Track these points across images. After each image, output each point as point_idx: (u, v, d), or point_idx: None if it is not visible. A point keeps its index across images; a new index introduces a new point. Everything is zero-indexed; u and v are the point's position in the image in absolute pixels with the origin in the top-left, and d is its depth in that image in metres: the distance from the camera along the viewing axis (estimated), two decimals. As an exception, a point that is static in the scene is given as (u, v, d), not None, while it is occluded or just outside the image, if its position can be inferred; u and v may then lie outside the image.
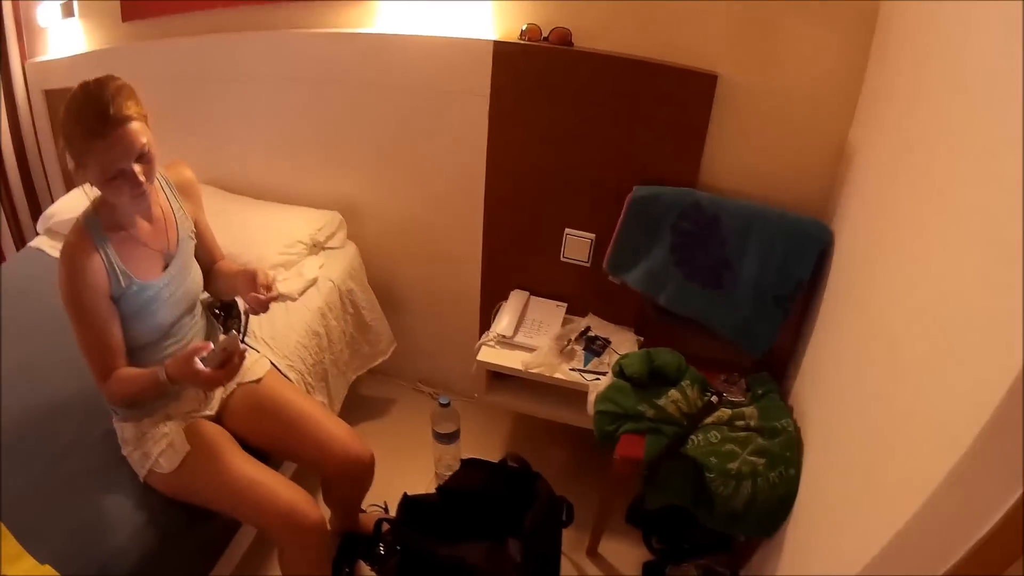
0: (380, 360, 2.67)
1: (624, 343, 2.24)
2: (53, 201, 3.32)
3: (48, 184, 3.47)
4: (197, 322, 1.87)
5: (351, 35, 2.37)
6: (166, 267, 1.72)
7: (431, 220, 2.59)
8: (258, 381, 1.93)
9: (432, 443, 2.47)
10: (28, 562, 1.57)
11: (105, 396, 1.71)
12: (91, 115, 1.41)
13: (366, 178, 2.62)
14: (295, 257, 2.44)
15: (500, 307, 2.43)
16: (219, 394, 1.91)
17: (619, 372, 1.99)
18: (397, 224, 2.67)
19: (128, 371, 1.66)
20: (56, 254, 2.61)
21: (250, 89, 2.63)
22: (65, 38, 3.08)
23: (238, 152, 2.81)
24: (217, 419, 1.89)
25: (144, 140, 1.48)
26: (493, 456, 2.09)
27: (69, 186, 3.33)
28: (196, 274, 1.84)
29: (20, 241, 3.42)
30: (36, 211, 3.40)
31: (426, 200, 2.56)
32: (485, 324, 2.55)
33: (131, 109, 1.46)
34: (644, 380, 1.95)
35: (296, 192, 2.73)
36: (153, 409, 1.76)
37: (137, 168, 1.48)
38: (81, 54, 2.98)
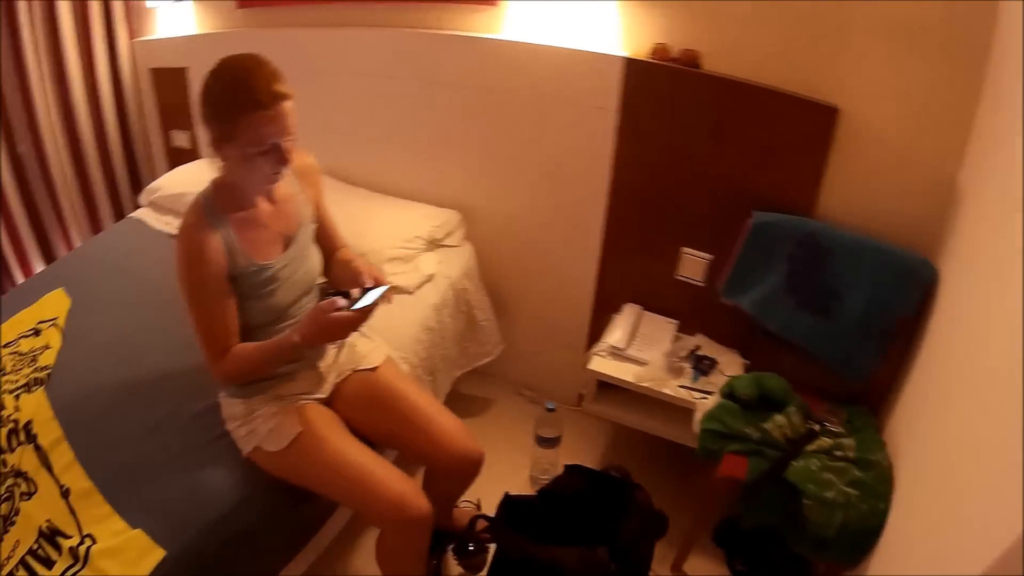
0: (486, 360, 2.82)
1: (731, 364, 2.37)
2: (155, 175, 3.52)
3: (151, 157, 3.72)
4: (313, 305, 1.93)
5: (479, 39, 2.53)
6: (285, 248, 1.82)
7: (549, 227, 2.73)
8: (374, 369, 2.00)
9: (532, 446, 2.62)
10: (118, 524, 1.69)
11: (217, 376, 1.77)
12: (256, 87, 1.52)
13: (486, 180, 2.78)
14: (413, 252, 2.58)
15: (612, 319, 2.56)
16: (332, 379, 1.96)
17: (728, 393, 2.12)
18: (514, 227, 2.81)
19: (247, 345, 1.74)
20: (159, 227, 2.94)
21: (369, 84, 2.81)
22: (174, 19, 3.31)
23: (354, 145, 2.99)
24: (327, 403, 1.94)
25: (295, 119, 1.62)
26: (588, 464, 2.17)
27: (172, 162, 3.56)
28: (315, 258, 1.94)
29: (118, 215, 3.63)
30: (136, 184, 3.64)
31: (545, 207, 2.69)
32: (594, 334, 2.68)
33: (287, 87, 1.59)
34: (752, 403, 2.06)
35: (414, 188, 2.89)
36: (264, 388, 1.83)
37: (287, 144, 1.62)
38: (193, 36, 3.22)
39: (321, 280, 2.01)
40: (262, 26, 3.00)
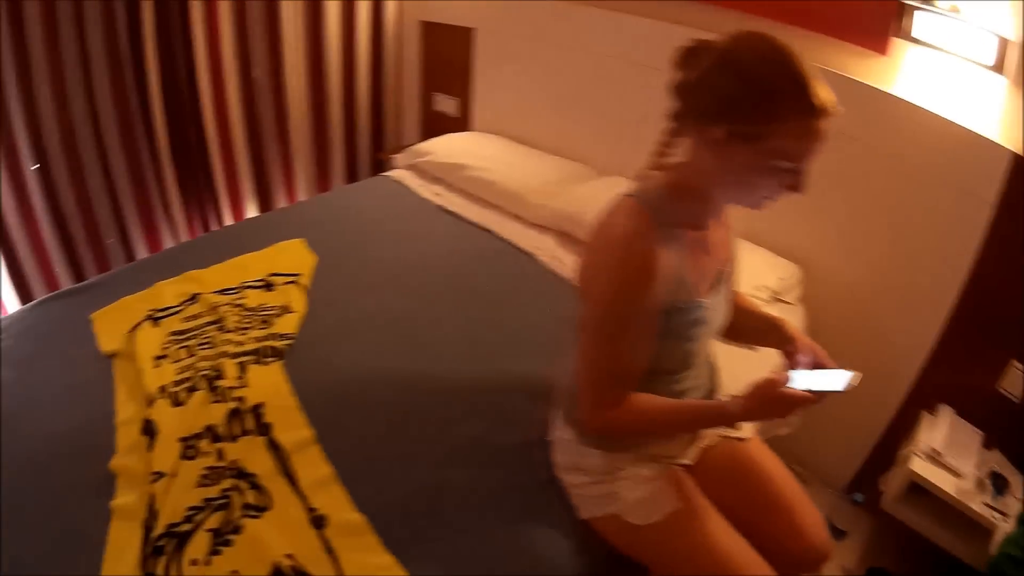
0: (784, 431, 2.48)
1: (1019, 487, 2.27)
2: (400, 137, 3.57)
3: (400, 116, 3.66)
4: (708, 357, 1.64)
5: (856, 84, 2.30)
6: (712, 287, 1.49)
7: (887, 302, 2.51)
8: (743, 440, 1.75)
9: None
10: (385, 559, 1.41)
11: (595, 425, 1.47)
12: (818, 92, 1.21)
13: (830, 235, 2.56)
14: (759, 302, 2.25)
15: (922, 417, 2.43)
16: (701, 443, 1.72)
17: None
18: (846, 295, 2.61)
19: (655, 400, 1.43)
20: (427, 196, 2.87)
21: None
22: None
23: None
24: (688, 470, 1.66)
25: None
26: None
27: (427, 127, 3.52)
28: (731, 302, 1.60)
29: (350, 171, 3.55)
30: (377, 142, 3.61)
31: (890, 282, 2.50)
32: (898, 426, 2.55)
33: None
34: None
35: (754, 227, 2.65)
36: (637, 444, 1.57)
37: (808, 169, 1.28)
38: None
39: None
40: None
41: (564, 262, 2.44)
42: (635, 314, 1.35)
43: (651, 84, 2.67)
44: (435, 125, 3.50)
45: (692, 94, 1.31)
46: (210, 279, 2.22)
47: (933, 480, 2.25)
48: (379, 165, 3.62)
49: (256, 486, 1.54)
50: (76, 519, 1.49)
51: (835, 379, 1.37)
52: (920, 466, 2.31)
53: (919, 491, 2.26)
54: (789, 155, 1.26)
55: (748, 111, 1.24)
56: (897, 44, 2.25)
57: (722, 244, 1.53)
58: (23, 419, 1.73)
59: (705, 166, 1.34)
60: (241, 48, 2.91)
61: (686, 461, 1.67)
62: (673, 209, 1.37)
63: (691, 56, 1.30)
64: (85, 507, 1.51)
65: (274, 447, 1.63)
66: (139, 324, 2.02)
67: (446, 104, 3.46)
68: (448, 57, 3.35)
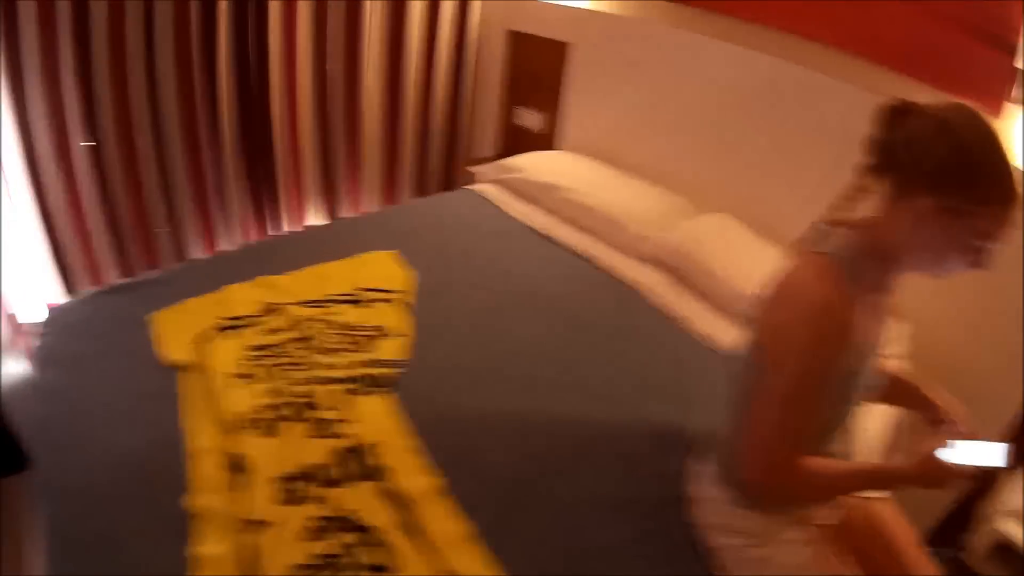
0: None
1: None
2: (474, 149, 3.44)
3: (476, 127, 3.50)
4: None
5: None
6: (869, 352, 1.45)
7: (978, 360, 2.52)
8: (878, 500, 1.72)
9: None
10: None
11: (766, 488, 1.45)
12: (1020, 180, 1.25)
13: (940, 293, 2.53)
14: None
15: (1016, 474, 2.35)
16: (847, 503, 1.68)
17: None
18: (941, 351, 2.58)
19: (825, 464, 1.42)
20: (515, 213, 2.73)
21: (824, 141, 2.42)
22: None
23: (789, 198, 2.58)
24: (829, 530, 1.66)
25: None
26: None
27: (508, 141, 3.36)
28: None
29: (420, 182, 3.39)
30: (451, 153, 3.46)
31: (983, 337, 2.51)
32: (982, 485, 2.46)
33: None
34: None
35: None
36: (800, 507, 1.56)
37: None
38: (580, 8, 2.98)
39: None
40: (673, 23, 2.74)
41: (676, 301, 2.30)
42: (825, 378, 1.34)
43: (764, 122, 2.65)
44: (515, 140, 3.30)
45: (898, 155, 1.31)
46: (289, 287, 2.01)
47: (1019, 540, 2.27)
48: (450, 178, 3.42)
49: (375, 542, 1.32)
50: (146, 566, 1.27)
51: (994, 453, 1.37)
52: (1007, 526, 2.33)
53: (1003, 550, 2.29)
54: (987, 236, 1.29)
55: (963, 187, 1.25)
56: (1010, 108, 2.21)
57: (886, 307, 1.52)
58: (73, 432, 1.53)
59: (901, 230, 1.34)
60: (318, 46, 2.78)
61: (832, 522, 1.65)
62: (864, 270, 1.37)
63: (898, 115, 1.30)
64: (156, 552, 1.29)
65: (391, 496, 1.41)
66: (209, 333, 1.79)
67: (530, 119, 3.25)
68: (536, 70, 3.16)
